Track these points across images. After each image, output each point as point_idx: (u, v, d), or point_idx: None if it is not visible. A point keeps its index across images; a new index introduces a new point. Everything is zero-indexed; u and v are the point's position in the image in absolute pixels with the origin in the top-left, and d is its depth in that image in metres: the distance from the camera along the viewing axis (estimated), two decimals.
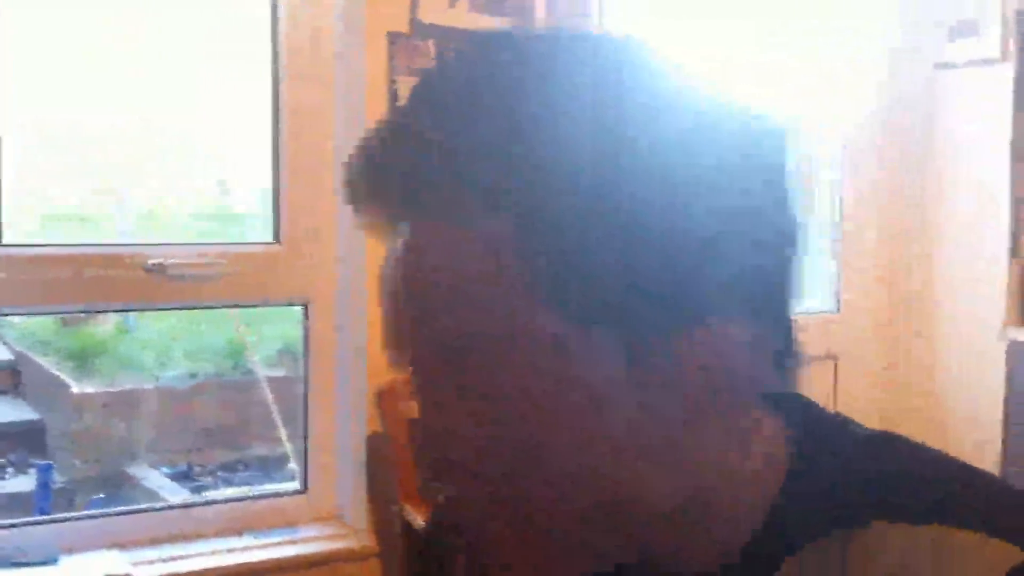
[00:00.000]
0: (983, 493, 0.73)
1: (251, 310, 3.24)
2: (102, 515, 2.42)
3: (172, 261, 2.33)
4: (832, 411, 0.80)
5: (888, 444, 0.77)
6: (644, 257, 0.66)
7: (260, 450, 3.58)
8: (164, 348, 3.64)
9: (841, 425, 0.79)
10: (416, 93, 0.69)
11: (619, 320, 0.67)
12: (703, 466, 0.72)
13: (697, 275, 0.67)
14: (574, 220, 0.65)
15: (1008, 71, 3.12)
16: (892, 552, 0.69)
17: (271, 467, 3.43)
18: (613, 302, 0.67)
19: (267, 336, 3.49)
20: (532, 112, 0.65)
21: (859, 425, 0.79)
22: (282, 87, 2.47)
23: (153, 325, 3.65)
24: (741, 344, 0.69)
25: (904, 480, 0.73)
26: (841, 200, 3.37)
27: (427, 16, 2.47)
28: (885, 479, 0.73)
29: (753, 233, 0.68)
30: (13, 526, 2.30)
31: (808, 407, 0.79)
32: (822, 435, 0.76)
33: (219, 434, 3.71)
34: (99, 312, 2.86)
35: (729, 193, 0.67)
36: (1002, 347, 3.13)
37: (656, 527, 0.72)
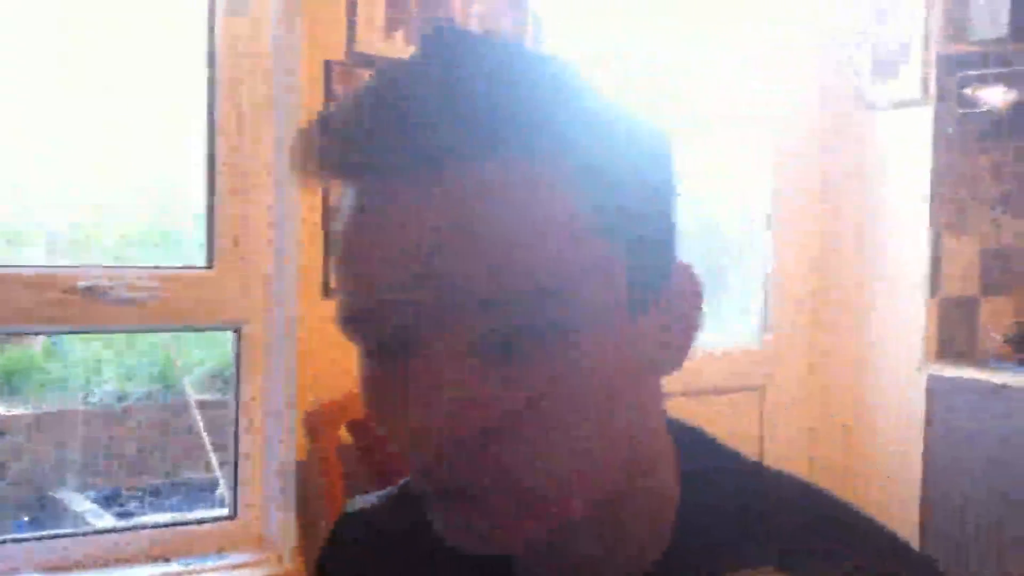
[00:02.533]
0: (864, 537, 0.73)
1: (182, 333, 3.22)
2: (27, 539, 2.39)
3: (104, 283, 2.32)
4: (728, 449, 0.79)
5: (770, 485, 0.76)
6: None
7: (190, 474, 3.55)
8: (93, 370, 3.60)
9: (725, 456, 0.78)
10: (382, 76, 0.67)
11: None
12: (635, 440, 0.70)
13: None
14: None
15: (928, 111, 3.21)
16: None
17: (201, 492, 3.41)
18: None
19: (198, 359, 3.47)
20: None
21: (746, 461, 0.78)
22: (217, 112, 2.48)
23: (82, 347, 3.61)
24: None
25: (784, 525, 0.73)
26: (770, 233, 3.43)
27: (363, 46, 2.50)
28: (766, 521, 0.73)
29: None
30: None
31: (696, 437, 0.79)
32: (707, 469, 0.76)
33: (148, 458, 3.67)
34: (27, 334, 2.83)
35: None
36: (922, 381, 3.20)
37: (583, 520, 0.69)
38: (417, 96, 0.64)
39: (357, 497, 0.95)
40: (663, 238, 0.70)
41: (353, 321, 0.67)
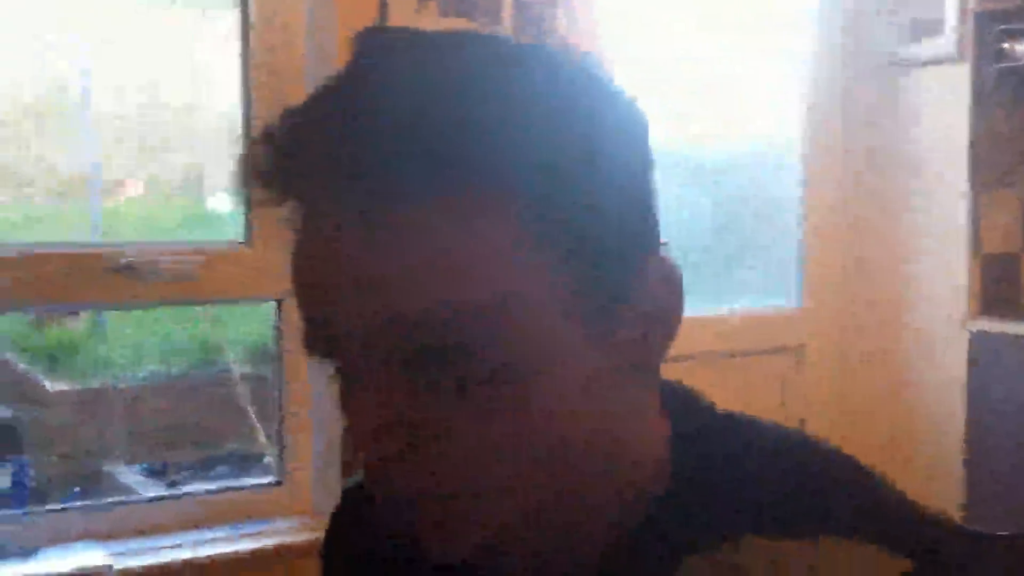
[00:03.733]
0: (867, 500, 0.72)
1: (224, 308, 3.25)
2: (80, 508, 2.44)
3: (144, 259, 2.36)
4: (712, 406, 0.78)
5: (767, 446, 0.75)
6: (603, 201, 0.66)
7: (235, 447, 3.59)
8: (137, 346, 3.64)
9: (719, 424, 0.77)
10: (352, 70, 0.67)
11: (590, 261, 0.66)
12: (615, 425, 0.70)
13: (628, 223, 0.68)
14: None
15: (965, 71, 3.18)
16: (765, 567, 0.67)
17: (246, 464, 3.45)
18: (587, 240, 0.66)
19: (240, 334, 3.51)
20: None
21: (742, 421, 0.77)
22: (253, 89, 2.50)
23: (126, 324, 3.65)
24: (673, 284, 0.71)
25: (778, 488, 0.71)
26: (805, 194, 3.42)
27: (396, 19, 2.51)
28: (757, 488, 0.71)
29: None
30: None
31: (694, 407, 0.78)
32: (703, 439, 0.74)
33: (194, 432, 3.72)
34: (69, 312, 2.87)
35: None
36: (965, 338, 3.19)
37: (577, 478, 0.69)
38: (348, 117, 0.64)
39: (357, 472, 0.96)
40: (629, 241, 0.68)
41: (305, 350, 0.69)
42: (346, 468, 2.43)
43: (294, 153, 0.65)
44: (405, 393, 0.65)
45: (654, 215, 0.71)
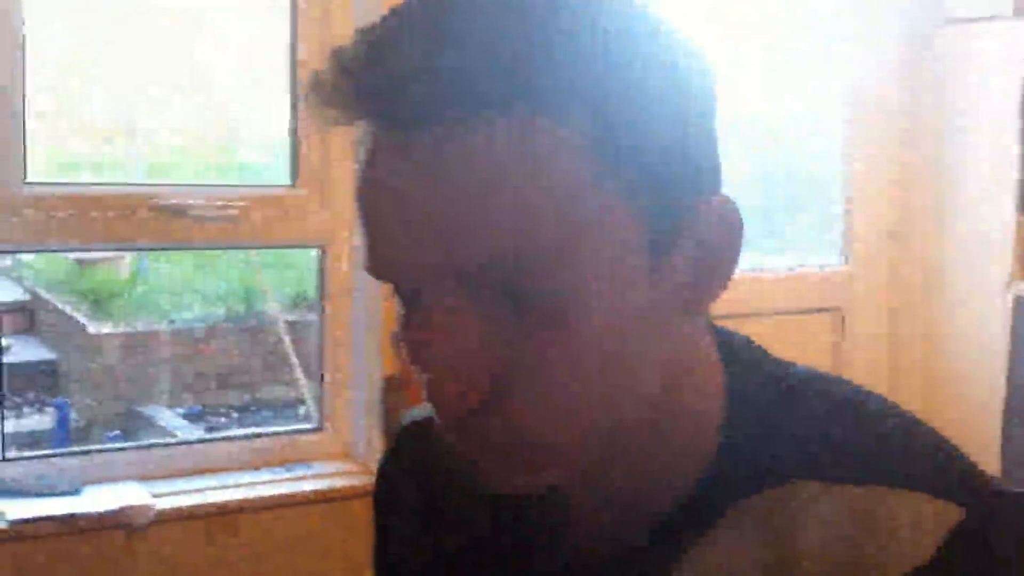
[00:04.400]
0: (920, 450, 0.72)
1: (265, 255, 3.27)
2: (122, 448, 2.47)
3: (188, 202, 2.37)
4: (771, 356, 0.79)
5: (821, 397, 0.75)
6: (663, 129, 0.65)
7: (274, 392, 3.63)
8: (179, 291, 3.68)
9: (777, 374, 0.77)
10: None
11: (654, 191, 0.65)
12: (659, 379, 0.70)
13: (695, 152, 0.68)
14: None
15: (1020, 27, 3.13)
16: (817, 516, 0.68)
17: (285, 409, 3.49)
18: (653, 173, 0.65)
19: (281, 280, 3.53)
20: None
21: (799, 372, 0.77)
22: (299, 28, 2.49)
23: (167, 269, 3.68)
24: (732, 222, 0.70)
25: (832, 437, 0.71)
26: (851, 155, 3.39)
27: None
28: (813, 436, 0.72)
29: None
30: (35, 458, 2.35)
31: (748, 352, 0.78)
32: (757, 386, 0.75)
33: (233, 376, 3.76)
34: (115, 251, 2.90)
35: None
36: (1008, 301, 3.16)
37: (626, 438, 0.70)
38: (417, 36, 0.62)
39: (417, 407, 0.97)
40: (687, 173, 0.68)
41: (370, 272, 0.67)
42: (385, 415, 2.45)
43: (369, 71, 0.63)
44: (481, 329, 0.64)
45: (716, 159, 0.70)
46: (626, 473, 0.72)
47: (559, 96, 0.62)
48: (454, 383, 0.63)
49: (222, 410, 3.77)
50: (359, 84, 0.64)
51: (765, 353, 0.79)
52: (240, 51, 2.83)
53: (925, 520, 0.66)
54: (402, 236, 0.63)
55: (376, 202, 0.65)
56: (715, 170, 0.70)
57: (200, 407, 3.76)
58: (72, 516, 2.12)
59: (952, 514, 0.66)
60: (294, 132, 2.52)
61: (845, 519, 0.67)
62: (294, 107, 2.52)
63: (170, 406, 3.78)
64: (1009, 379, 3.14)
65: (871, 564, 0.66)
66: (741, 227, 0.70)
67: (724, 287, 0.71)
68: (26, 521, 2.08)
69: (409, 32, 0.63)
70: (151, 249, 2.68)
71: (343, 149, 2.52)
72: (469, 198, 0.61)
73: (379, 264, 0.66)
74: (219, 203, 2.39)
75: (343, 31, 2.49)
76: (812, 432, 0.72)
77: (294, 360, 3.01)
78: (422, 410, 0.95)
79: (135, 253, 3.08)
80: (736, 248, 0.70)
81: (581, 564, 0.76)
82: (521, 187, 0.61)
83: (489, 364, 0.63)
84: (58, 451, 2.38)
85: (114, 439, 3.12)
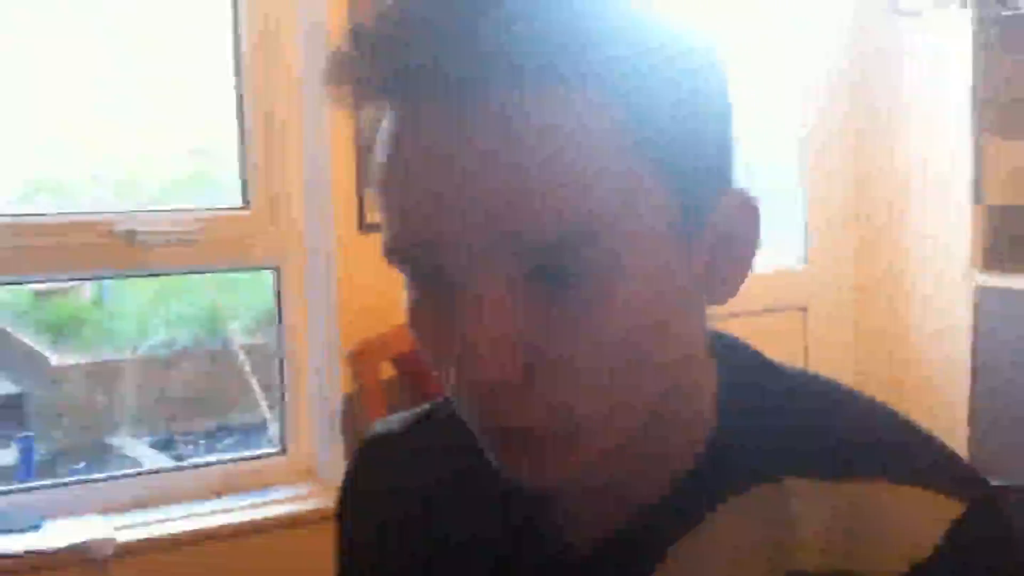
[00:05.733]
0: (915, 447, 0.72)
1: (229, 278, 3.25)
2: (84, 481, 2.44)
3: (141, 227, 2.34)
4: (764, 357, 0.78)
5: (815, 396, 0.75)
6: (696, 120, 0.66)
7: (242, 417, 3.60)
8: (141, 318, 3.64)
9: (770, 373, 0.77)
10: None
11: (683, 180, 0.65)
12: (676, 368, 0.69)
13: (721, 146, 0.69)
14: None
15: (968, 13, 3.14)
16: (809, 511, 0.68)
17: (253, 433, 3.46)
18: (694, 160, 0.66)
19: (245, 303, 3.51)
20: None
21: (792, 372, 0.78)
22: (244, 52, 2.48)
23: (130, 296, 3.65)
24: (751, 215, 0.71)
25: (827, 434, 0.72)
26: (807, 150, 3.39)
27: None
28: (806, 433, 0.72)
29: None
30: None
31: (741, 352, 0.78)
32: (750, 384, 0.75)
33: (200, 402, 3.72)
34: (68, 281, 2.87)
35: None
36: (969, 291, 3.17)
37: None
38: (451, 11, 0.61)
39: (380, 420, 0.96)
40: (713, 162, 0.68)
41: (394, 254, 0.65)
42: (348, 436, 2.43)
43: (394, 51, 0.62)
44: (518, 304, 0.62)
45: (732, 150, 0.71)
46: (623, 461, 0.70)
47: (595, 76, 0.61)
48: (492, 358, 0.61)
49: (190, 437, 3.73)
50: (394, 62, 0.62)
51: (755, 352, 0.79)
52: (190, 65, 2.81)
53: (925, 515, 0.66)
54: (440, 211, 0.61)
55: (410, 178, 0.63)
56: (732, 161, 0.71)
57: (168, 434, 3.72)
58: (30, 553, 2.09)
59: (952, 509, 0.66)
60: (242, 151, 2.51)
61: (841, 514, 0.67)
62: (241, 127, 2.50)
63: (137, 435, 3.73)
64: (973, 368, 3.15)
65: (869, 559, 0.66)
66: (759, 214, 0.71)
67: (745, 277, 0.71)
68: None
69: (445, 7, 0.61)
70: (104, 277, 2.66)
71: (293, 168, 2.50)
72: (511, 172, 0.60)
73: (409, 242, 0.64)
74: (171, 228, 2.37)
75: (282, 37, 2.48)
76: (805, 430, 0.72)
77: (255, 385, 2.99)
78: (390, 421, 0.94)
79: (95, 280, 3.04)
80: (756, 238, 0.71)
81: (566, 555, 0.76)
82: (562, 161, 0.60)
83: (526, 340, 0.62)
84: (17, 487, 2.35)
85: (79, 471, 3.08)
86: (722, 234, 0.69)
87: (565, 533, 0.76)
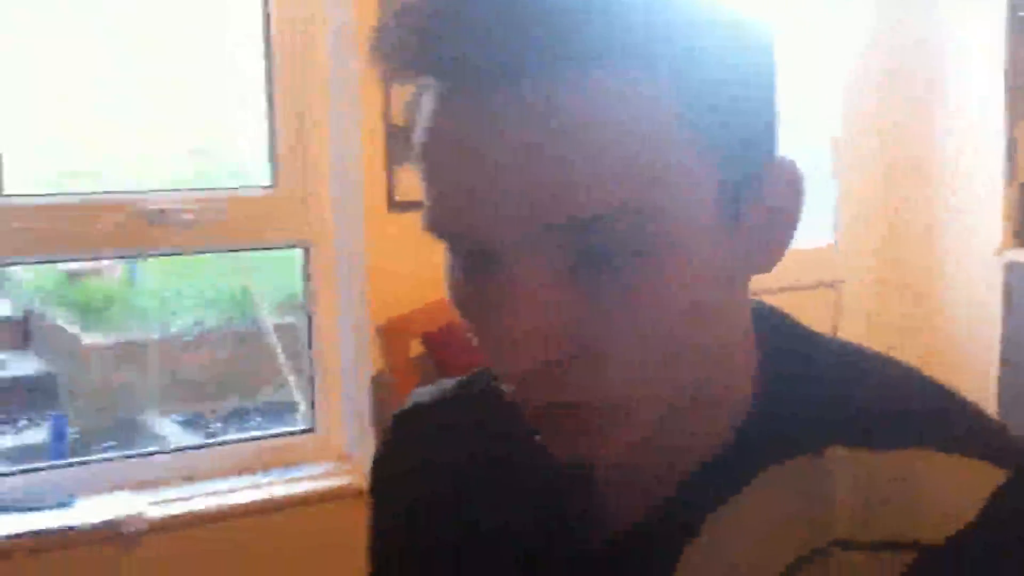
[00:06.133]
0: (955, 415, 0.71)
1: (257, 258, 3.26)
2: (115, 459, 2.46)
3: (170, 206, 2.35)
4: (805, 328, 0.78)
5: (855, 366, 0.75)
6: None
7: (271, 396, 3.62)
8: (171, 298, 3.66)
9: (810, 344, 0.76)
10: None
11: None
12: (720, 344, 0.69)
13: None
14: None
15: (1002, 3, 3.11)
16: (851, 481, 0.67)
17: (281, 413, 3.48)
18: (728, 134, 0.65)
19: (274, 284, 3.52)
20: None
21: (833, 343, 0.77)
22: (273, 31, 2.48)
23: (159, 276, 3.67)
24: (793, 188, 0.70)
25: (867, 404, 0.71)
26: (840, 127, 3.37)
27: None
28: (845, 403, 0.71)
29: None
30: (26, 472, 2.34)
31: (781, 323, 0.77)
32: (790, 355, 0.74)
33: (228, 382, 3.75)
34: (96, 259, 2.88)
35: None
36: (999, 268, 3.15)
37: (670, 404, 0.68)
38: None
39: (414, 391, 0.95)
40: (759, 136, 0.68)
41: (433, 231, 0.65)
42: (377, 414, 2.44)
43: (441, 32, 0.61)
44: (563, 299, 0.62)
45: (775, 122, 0.70)
46: (666, 436, 0.70)
47: (638, 50, 0.61)
48: (527, 350, 0.61)
49: (219, 416, 3.75)
50: (439, 43, 0.61)
51: (794, 322, 0.78)
52: (217, 55, 2.81)
53: (967, 482, 0.65)
54: (486, 189, 0.61)
55: (454, 156, 0.62)
56: (776, 134, 0.70)
57: (196, 414, 3.74)
58: (64, 529, 2.11)
59: (994, 476, 0.65)
60: (271, 130, 2.51)
61: (883, 484, 0.67)
62: (270, 105, 2.51)
63: (166, 414, 3.76)
64: (1003, 344, 3.14)
65: (913, 527, 0.65)
66: (803, 185, 0.70)
67: (787, 245, 0.71)
68: (18, 536, 2.07)
69: None
70: (133, 257, 2.67)
71: (321, 148, 2.50)
72: (556, 149, 0.59)
73: (452, 219, 0.63)
74: (200, 207, 2.37)
75: (310, 17, 2.48)
76: (844, 399, 0.71)
77: (283, 363, 3.00)
78: (423, 393, 0.94)
79: (125, 260, 3.06)
80: (799, 209, 0.70)
81: (599, 538, 0.75)
82: (607, 139, 0.60)
83: (567, 329, 0.62)
84: (48, 464, 2.37)
85: (110, 450, 3.12)
86: (766, 207, 0.68)
87: (600, 516, 0.76)
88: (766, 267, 0.70)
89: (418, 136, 0.65)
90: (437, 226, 0.64)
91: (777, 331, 0.76)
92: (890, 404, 0.71)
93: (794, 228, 0.70)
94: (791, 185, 0.69)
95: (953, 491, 0.65)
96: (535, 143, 0.59)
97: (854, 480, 0.67)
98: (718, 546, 0.70)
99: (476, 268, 0.64)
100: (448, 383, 0.92)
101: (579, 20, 0.59)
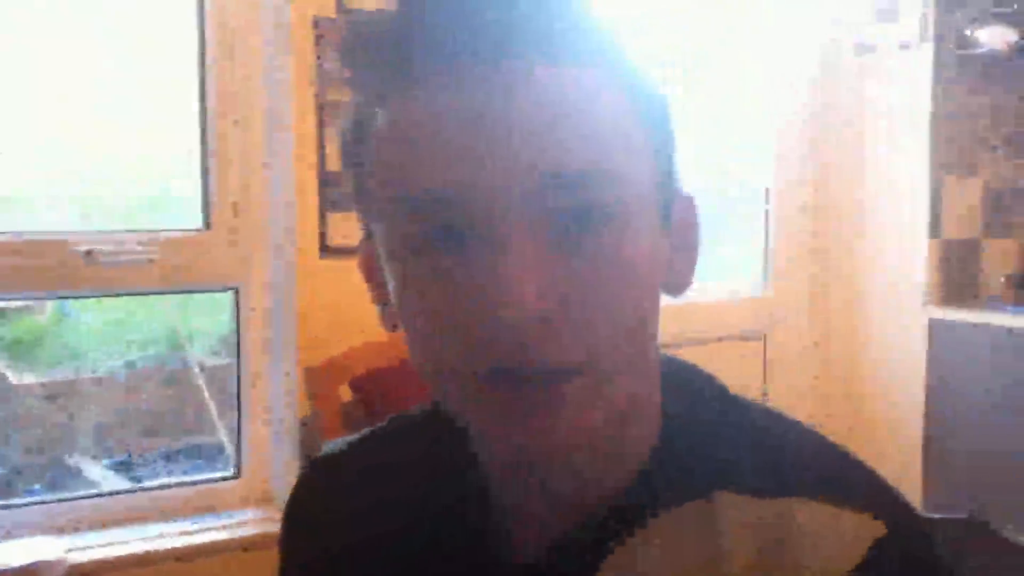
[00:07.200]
0: (843, 470, 0.74)
1: (192, 298, 3.24)
2: (38, 503, 2.43)
3: (101, 247, 2.34)
4: (710, 379, 0.81)
5: (749, 419, 0.78)
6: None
7: (202, 439, 3.58)
8: (102, 338, 3.62)
9: (711, 396, 0.79)
10: None
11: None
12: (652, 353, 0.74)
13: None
14: None
15: (927, 53, 3.18)
16: (740, 526, 0.70)
17: (212, 455, 3.44)
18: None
19: (209, 324, 3.49)
20: None
21: (733, 396, 0.80)
22: (208, 72, 2.48)
23: (90, 316, 3.63)
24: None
25: (756, 453, 0.74)
26: (771, 182, 3.42)
27: (353, 1, 2.49)
28: (737, 451, 0.74)
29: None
30: None
31: (688, 373, 0.80)
32: (692, 405, 0.77)
33: (159, 424, 3.70)
34: (25, 300, 2.85)
35: None
36: (924, 323, 3.20)
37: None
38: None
39: (327, 443, 0.96)
40: (673, 162, 0.73)
41: (407, 203, 0.67)
42: (305, 460, 2.42)
43: (453, 12, 0.66)
44: (553, 256, 0.65)
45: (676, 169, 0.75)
46: (594, 452, 0.72)
47: (603, 56, 0.68)
48: (526, 295, 0.63)
49: (150, 458, 3.69)
50: (435, 26, 0.66)
51: (701, 372, 0.81)
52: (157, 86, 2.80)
53: (849, 532, 0.68)
54: (473, 161, 0.65)
55: (445, 122, 0.66)
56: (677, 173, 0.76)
57: (127, 456, 3.68)
58: None
59: (875, 528, 0.68)
60: (204, 173, 2.51)
61: (770, 530, 0.69)
62: (203, 148, 2.51)
63: (96, 456, 3.70)
64: (927, 399, 3.18)
65: (797, 571, 0.68)
66: (699, 224, 0.77)
67: (691, 278, 0.76)
68: None
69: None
70: (58, 297, 2.64)
71: (255, 192, 2.50)
72: (542, 114, 0.64)
73: (445, 180, 0.66)
74: (131, 248, 2.36)
75: (252, 65, 2.49)
76: (740, 448, 0.74)
77: (212, 407, 2.97)
78: (335, 444, 0.94)
79: (56, 299, 3.03)
80: (699, 243, 0.76)
81: (514, 563, 0.77)
82: (580, 110, 0.65)
83: (557, 276, 0.65)
84: None
85: (36, 492, 3.06)
86: (678, 222, 0.73)
87: (507, 550, 0.78)
88: (676, 289, 0.75)
89: (407, 113, 0.67)
90: (419, 194, 0.66)
91: (684, 380, 0.79)
92: (780, 455, 0.74)
93: (698, 246, 0.76)
94: (693, 217, 0.76)
95: (835, 540, 0.68)
96: (522, 108, 0.64)
97: (742, 525, 0.70)
98: None
99: (441, 249, 0.66)
100: (364, 431, 0.94)
101: (558, 24, 0.67)
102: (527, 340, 0.65)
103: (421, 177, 0.66)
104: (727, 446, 0.75)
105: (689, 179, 0.76)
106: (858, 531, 0.69)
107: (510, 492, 0.78)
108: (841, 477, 0.74)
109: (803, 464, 0.74)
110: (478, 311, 0.65)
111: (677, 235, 0.74)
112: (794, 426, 0.78)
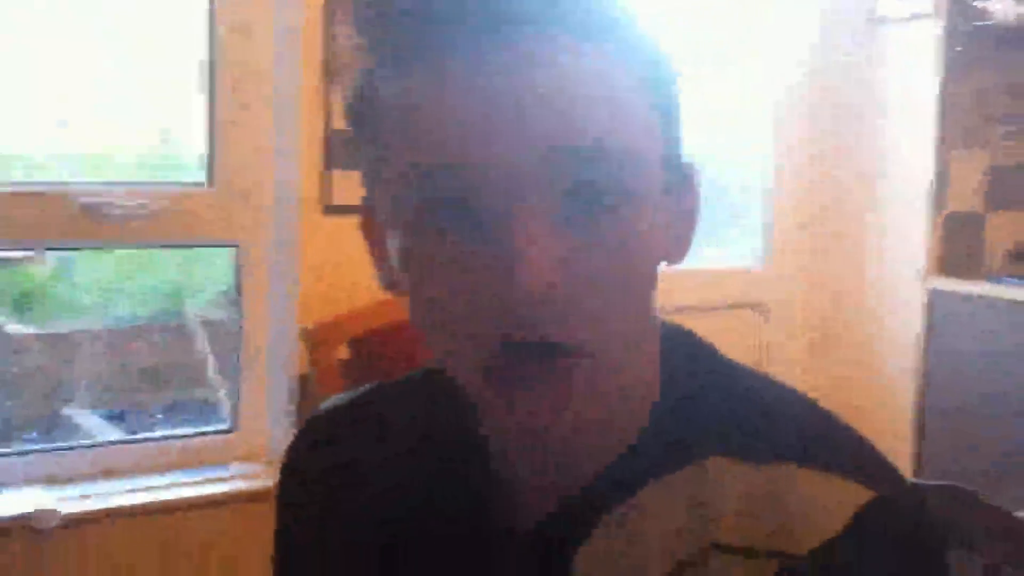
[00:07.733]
0: (832, 437, 0.76)
1: (193, 253, 3.24)
2: (31, 452, 2.43)
3: (104, 200, 2.33)
4: (708, 347, 0.81)
5: (744, 385, 0.78)
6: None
7: (198, 393, 3.58)
8: (103, 291, 3.62)
9: (708, 362, 0.80)
10: None
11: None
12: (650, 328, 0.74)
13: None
14: None
15: (938, 26, 3.16)
16: (730, 490, 0.71)
17: (209, 410, 3.45)
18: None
19: (210, 279, 3.49)
20: None
21: (730, 363, 0.81)
22: (218, 32, 2.47)
23: (91, 268, 3.62)
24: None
25: (747, 419, 0.75)
26: (773, 151, 3.41)
27: None
28: (730, 418, 0.75)
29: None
30: None
31: (686, 341, 0.81)
32: (689, 371, 0.78)
33: (157, 377, 3.70)
34: (27, 251, 2.84)
35: None
36: (923, 295, 3.19)
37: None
38: None
39: (328, 399, 0.96)
40: (680, 135, 0.73)
41: (417, 168, 0.66)
42: (301, 416, 2.42)
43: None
44: (562, 229, 0.65)
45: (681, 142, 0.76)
46: (581, 432, 0.72)
47: (618, 31, 0.68)
48: (540, 266, 0.63)
49: (146, 412, 3.70)
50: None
51: (699, 341, 0.81)
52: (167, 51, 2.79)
53: (835, 499, 0.69)
54: (490, 133, 0.64)
55: (460, 92, 0.65)
56: (682, 146, 0.76)
57: (123, 409, 3.68)
58: None
59: (861, 495, 0.69)
60: (210, 129, 2.49)
61: (760, 495, 0.71)
62: (210, 105, 2.49)
63: (93, 408, 3.70)
64: (924, 372, 3.18)
65: (783, 537, 0.69)
66: (700, 192, 0.77)
67: (690, 245, 0.76)
68: None
69: None
70: (67, 248, 2.64)
71: (259, 149, 2.49)
72: (555, 86, 0.64)
73: (463, 150, 0.65)
74: (134, 202, 2.35)
75: (262, 25, 2.47)
76: (731, 415, 0.75)
77: (210, 361, 2.98)
78: (336, 399, 0.94)
79: (57, 252, 3.02)
80: (699, 210, 0.76)
81: (512, 528, 0.78)
82: (591, 84, 0.66)
83: (569, 250, 0.65)
84: None
85: (32, 441, 3.07)
86: (679, 189, 0.74)
87: (513, 509, 0.78)
88: (676, 256, 0.75)
89: (405, 84, 0.67)
90: (435, 160, 0.66)
91: (681, 347, 0.80)
92: (770, 421, 0.75)
93: (697, 214, 0.76)
94: (694, 189, 0.76)
95: (820, 506, 0.70)
96: (538, 81, 0.64)
97: (732, 489, 0.72)
98: (608, 549, 0.74)
99: (451, 222, 0.66)
100: (363, 387, 0.94)
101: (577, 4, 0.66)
102: (536, 313, 0.65)
103: (432, 146, 0.66)
104: (719, 411, 0.76)
105: (689, 150, 0.76)
106: (846, 495, 0.69)
107: (511, 460, 0.78)
108: (830, 442, 0.75)
109: (793, 429, 0.75)
110: (487, 283, 0.65)
111: (678, 202, 0.74)
112: (785, 391, 0.79)
